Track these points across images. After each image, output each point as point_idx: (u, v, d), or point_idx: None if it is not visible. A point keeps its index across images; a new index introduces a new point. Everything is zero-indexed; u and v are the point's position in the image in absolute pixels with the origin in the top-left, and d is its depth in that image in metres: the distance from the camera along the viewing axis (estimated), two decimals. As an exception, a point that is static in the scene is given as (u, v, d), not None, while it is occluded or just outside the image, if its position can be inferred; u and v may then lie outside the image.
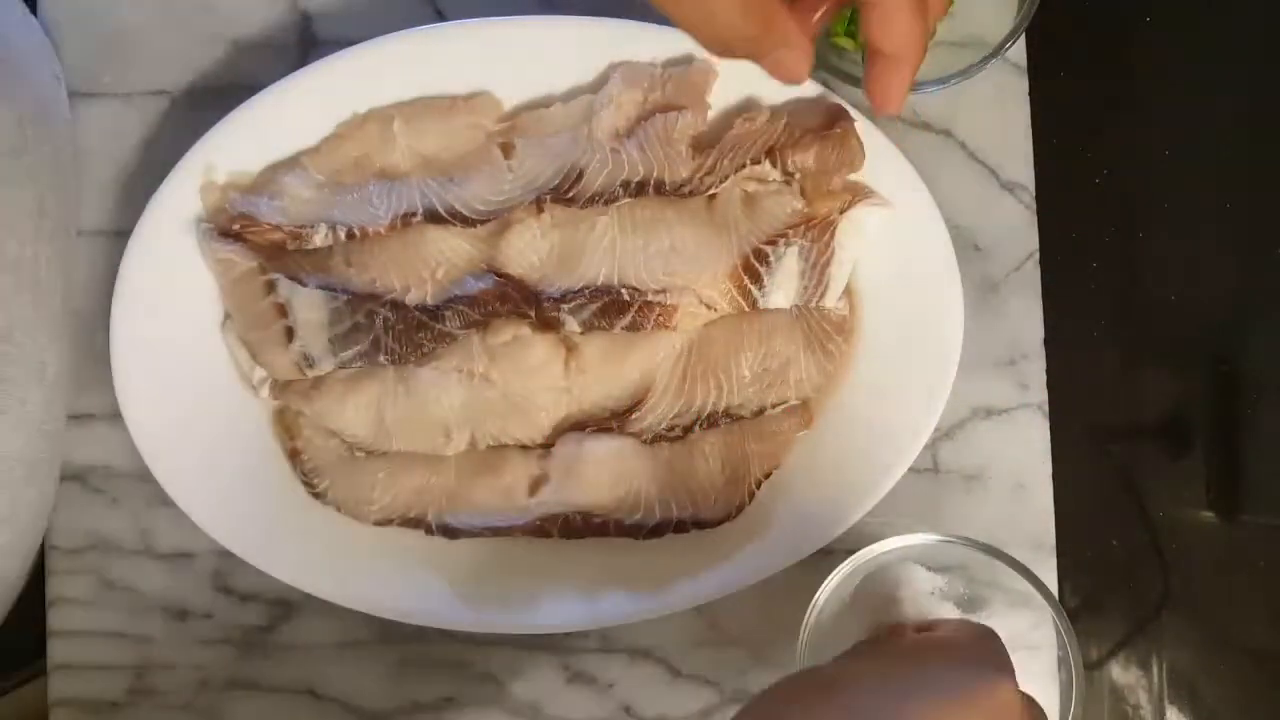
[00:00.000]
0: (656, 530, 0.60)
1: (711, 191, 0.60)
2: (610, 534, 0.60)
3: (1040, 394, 0.64)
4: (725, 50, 0.45)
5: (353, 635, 0.63)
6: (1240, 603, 0.65)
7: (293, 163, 0.61)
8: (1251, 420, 0.65)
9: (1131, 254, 0.66)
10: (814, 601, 0.58)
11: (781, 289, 0.60)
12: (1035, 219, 0.64)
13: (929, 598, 0.61)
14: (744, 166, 0.60)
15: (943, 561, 0.61)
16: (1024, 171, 0.64)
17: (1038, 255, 0.64)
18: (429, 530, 0.60)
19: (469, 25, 0.60)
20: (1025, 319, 0.64)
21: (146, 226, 0.59)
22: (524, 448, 0.61)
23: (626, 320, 0.59)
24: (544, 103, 0.61)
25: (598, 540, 0.60)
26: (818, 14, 0.47)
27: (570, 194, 0.60)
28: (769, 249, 0.60)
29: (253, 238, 0.60)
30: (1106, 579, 0.65)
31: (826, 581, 0.59)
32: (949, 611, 0.61)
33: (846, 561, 0.59)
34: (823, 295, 0.61)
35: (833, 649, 0.60)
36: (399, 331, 0.60)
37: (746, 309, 0.61)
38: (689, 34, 0.45)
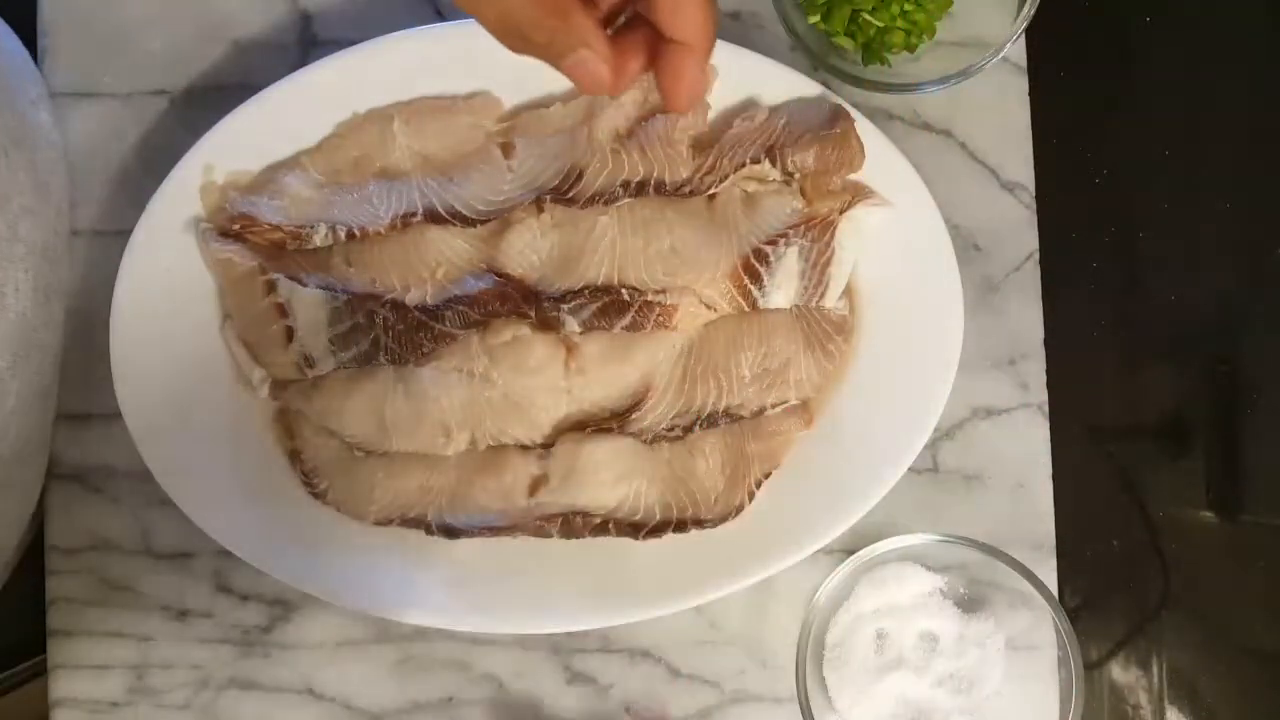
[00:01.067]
0: (656, 530, 0.60)
1: (711, 191, 0.60)
2: (610, 534, 0.60)
3: (1040, 394, 0.64)
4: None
5: (352, 635, 0.63)
6: (1240, 603, 0.65)
7: (293, 163, 0.61)
8: (1251, 420, 0.65)
9: (1131, 254, 0.66)
10: (814, 601, 0.58)
11: (781, 289, 0.60)
12: (1035, 219, 0.64)
13: (929, 598, 0.61)
14: (744, 165, 0.60)
15: (943, 561, 0.61)
16: (1024, 171, 0.64)
17: (1038, 255, 0.64)
18: (429, 530, 0.60)
19: (469, 25, 0.60)
20: (1025, 319, 0.64)
21: (146, 226, 0.59)
22: (524, 448, 0.61)
23: (626, 320, 0.59)
24: (544, 103, 0.61)
25: (598, 540, 0.60)
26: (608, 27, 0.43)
27: (570, 194, 0.60)
28: (769, 249, 0.60)
29: (253, 238, 0.60)
30: (1106, 579, 0.65)
31: (826, 581, 0.59)
32: (949, 611, 0.61)
33: (846, 561, 0.59)
34: (823, 295, 0.61)
35: (832, 649, 0.61)
36: (399, 331, 0.60)
37: (746, 309, 0.61)
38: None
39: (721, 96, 0.61)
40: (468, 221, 0.60)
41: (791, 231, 0.60)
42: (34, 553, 0.64)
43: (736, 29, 0.64)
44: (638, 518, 0.60)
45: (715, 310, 0.61)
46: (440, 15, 0.64)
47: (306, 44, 0.65)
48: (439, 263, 0.60)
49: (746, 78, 0.60)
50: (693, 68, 0.43)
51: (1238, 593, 0.65)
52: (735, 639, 0.63)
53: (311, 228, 0.60)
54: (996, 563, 0.58)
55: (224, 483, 0.60)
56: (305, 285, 0.59)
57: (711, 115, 0.61)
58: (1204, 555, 0.65)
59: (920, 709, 0.60)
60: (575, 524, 0.60)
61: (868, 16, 0.60)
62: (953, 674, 0.60)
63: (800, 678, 0.58)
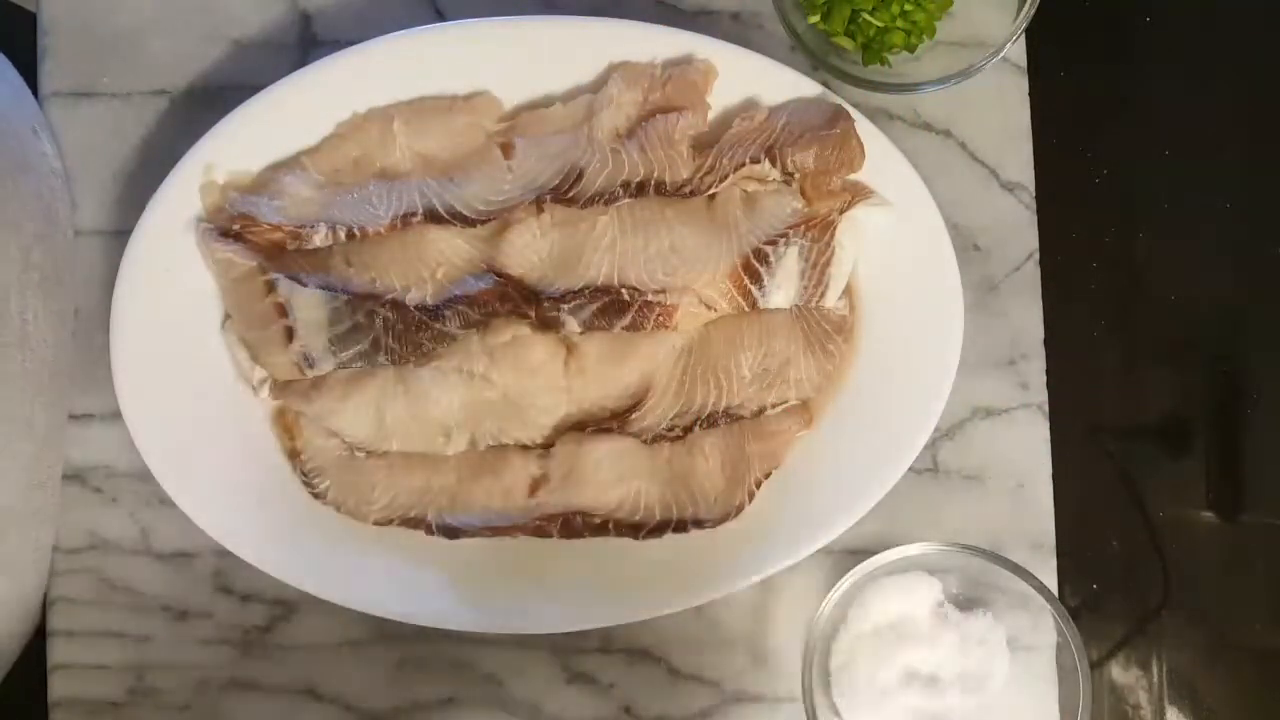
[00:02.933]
0: (656, 530, 0.60)
1: (711, 191, 0.60)
2: (610, 534, 0.60)
3: (1040, 394, 0.64)
4: None
5: (353, 635, 0.63)
6: (1240, 603, 0.65)
7: (293, 163, 0.61)
8: (1251, 420, 0.65)
9: (1131, 254, 0.66)
10: (818, 614, 0.58)
11: (781, 289, 0.60)
12: (1035, 219, 0.64)
13: (931, 602, 0.61)
14: (744, 165, 0.60)
15: (944, 565, 0.61)
16: (1024, 171, 0.64)
17: (1038, 255, 0.64)
18: (429, 530, 0.60)
19: (469, 25, 0.60)
20: (1025, 319, 0.64)
21: (146, 226, 0.59)
22: (524, 448, 0.61)
23: (626, 320, 0.59)
24: (544, 103, 0.61)
25: (598, 540, 0.60)
26: None
27: (570, 194, 0.60)
28: (769, 249, 0.60)
29: (253, 238, 0.60)
30: (1106, 579, 0.65)
31: (829, 595, 0.58)
32: (951, 614, 0.61)
33: (846, 576, 0.58)
34: (823, 295, 0.61)
35: (838, 660, 0.60)
36: (399, 331, 0.60)
37: (746, 309, 0.61)
38: None
39: (721, 96, 0.61)
40: (468, 221, 0.60)
41: (791, 231, 0.60)
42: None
43: (736, 29, 0.64)
44: (638, 518, 0.60)
45: (715, 310, 0.61)
46: (440, 15, 0.64)
47: (306, 44, 0.65)
48: (439, 263, 0.60)
49: (746, 78, 0.60)
50: None
51: (1238, 593, 0.65)
52: (735, 639, 0.63)
53: (311, 228, 0.60)
54: (998, 566, 0.58)
55: (224, 483, 0.60)
56: (305, 285, 0.59)
57: (711, 115, 0.61)
58: (1204, 555, 0.65)
59: (926, 714, 0.60)
60: (575, 524, 0.60)
61: (868, 16, 0.60)
62: (957, 676, 0.60)
63: (806, 690, 0.57)
